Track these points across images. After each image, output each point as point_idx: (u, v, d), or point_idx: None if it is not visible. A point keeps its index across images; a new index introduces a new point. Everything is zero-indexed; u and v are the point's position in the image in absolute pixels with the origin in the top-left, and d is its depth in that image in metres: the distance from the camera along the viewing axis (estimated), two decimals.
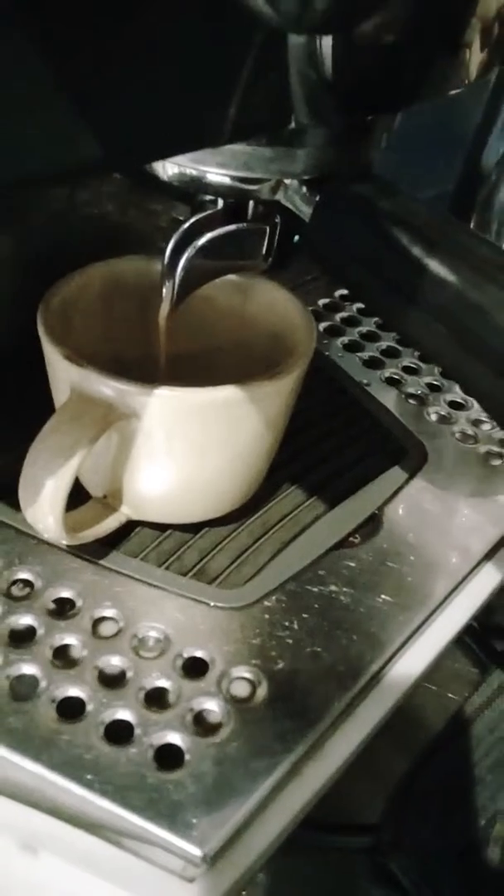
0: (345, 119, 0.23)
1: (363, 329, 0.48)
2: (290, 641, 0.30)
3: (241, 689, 0.28)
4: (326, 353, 0.46)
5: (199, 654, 0.29)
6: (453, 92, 0.25)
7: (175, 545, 0.33)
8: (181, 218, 0.28)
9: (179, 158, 0.26)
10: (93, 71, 0.17)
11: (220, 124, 0.19)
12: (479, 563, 0.35)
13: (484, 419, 0.42)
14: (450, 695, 0.49)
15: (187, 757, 0.26)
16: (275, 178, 0.26)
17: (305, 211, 0.27)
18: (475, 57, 0.25)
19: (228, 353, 0.35)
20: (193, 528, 0.33)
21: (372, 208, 0.25)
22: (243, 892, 0.26)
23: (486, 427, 0.42)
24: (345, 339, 0.47)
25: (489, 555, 0.36)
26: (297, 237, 0.28)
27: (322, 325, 0.48)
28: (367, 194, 0.26)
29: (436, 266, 0.23)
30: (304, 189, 0.27)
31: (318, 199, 0.26)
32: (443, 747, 0.45)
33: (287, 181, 0.27)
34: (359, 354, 0.46)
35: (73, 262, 0.33)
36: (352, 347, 0.47)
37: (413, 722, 0.46)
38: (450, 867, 0.41)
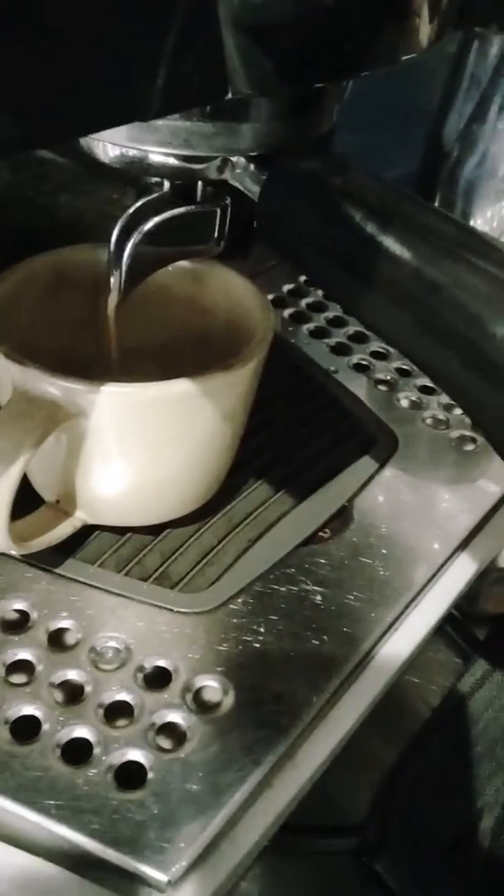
0: (286, 88, 0.21)
1: (329, 315, 0.47)
2: (258, 645, 0.28)
3: (206, 699, 0.27)
4: (292, 341, 0.44)
5: (161, 663, 0.27)
6: (405, 58, 0.23)
7: (135, 549, 0.31)
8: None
9: (118, 138, 0.24)
10: (5, 38, 0.15)
11: (147, 95, 0.18)
12: (455, 552, 0.34)
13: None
14: (432, 686, 0.48)
15: (150, 775, 0.24)
16: (219, 155, 0.25)
17: (254, 191, 0.25)
18: (424, 22, 0.23)
19: (186, 344, 0.34)
20: (154, 531, 0.32)
21: (322, 185, 0.23)
22: None
23: (458, 411, 0.41)
24: (311, 326, 0.46)
25: (465, 542, 0.35)
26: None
27: (287, 312, 0.46)
28: (318, 170, 0.24)
29: (390, 243, 0.21)
30: (253, 167, 0.25)
31: (265, 177, 0.25)
32: (427, 740, 0.44)
33: (234, 159, 0.25)
34: (325, 341, 0.45)
35: (19, 253, 0.31)
36: (318, 334, 0.45)
37: (395, 715, 0.45)
38: (438, 864, 0.40)
